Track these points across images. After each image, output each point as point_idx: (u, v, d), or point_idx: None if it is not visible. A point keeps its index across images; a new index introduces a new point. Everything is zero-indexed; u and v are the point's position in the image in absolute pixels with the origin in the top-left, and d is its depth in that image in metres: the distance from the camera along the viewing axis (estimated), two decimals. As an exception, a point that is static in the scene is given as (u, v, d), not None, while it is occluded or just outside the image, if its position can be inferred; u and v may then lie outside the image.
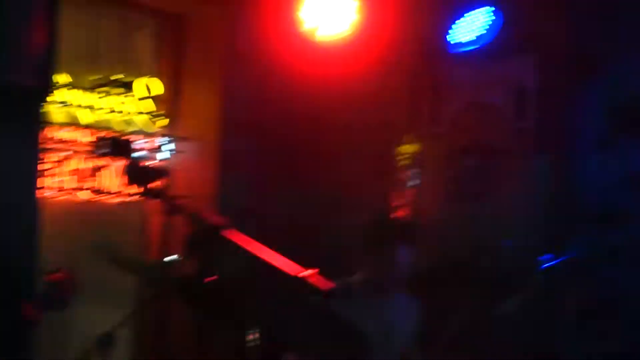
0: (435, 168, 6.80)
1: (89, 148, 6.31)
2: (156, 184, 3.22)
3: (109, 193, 6.46)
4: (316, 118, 7.02)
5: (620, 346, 5.80)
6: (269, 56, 6.68)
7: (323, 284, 2.71)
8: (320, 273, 4.25)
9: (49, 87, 5.22)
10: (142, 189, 3.25)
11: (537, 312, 5.56)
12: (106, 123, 6.50)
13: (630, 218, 6.04)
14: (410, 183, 6.88)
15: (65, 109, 6.34)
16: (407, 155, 6.89)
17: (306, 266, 3.24)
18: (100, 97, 6.47)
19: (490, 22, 6.34)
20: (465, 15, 6.36)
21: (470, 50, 6.35)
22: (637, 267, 5.96)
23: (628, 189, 6.06)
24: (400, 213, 6.81)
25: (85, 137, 6.38)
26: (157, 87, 6.71)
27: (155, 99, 6.71)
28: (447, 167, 6.74)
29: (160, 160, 6.69)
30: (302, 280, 2.70)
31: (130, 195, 6.46)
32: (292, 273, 2.72)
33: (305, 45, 6.57)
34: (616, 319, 6.00)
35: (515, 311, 5.08)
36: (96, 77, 6.53)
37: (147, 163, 6.27)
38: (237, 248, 2.87)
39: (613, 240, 5.83)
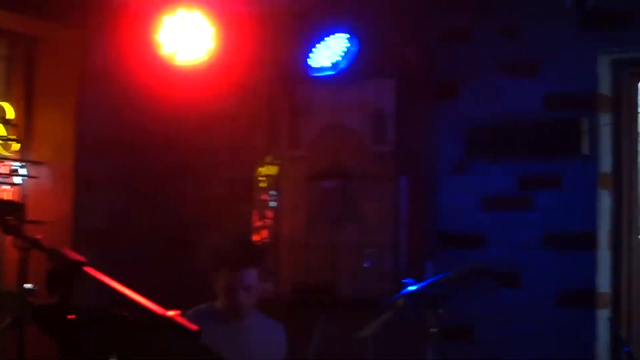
0: (295, 191, 6.80)
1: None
2: (10, 218, 3.10)
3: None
4: (176, 139, 6.96)
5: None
6: (127, 78, 6.58)
7: (189, 324, 2.65)
8: (183, 296, 4.21)
9: None
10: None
11: (399, 334, 5.61)
12: (-42, 148, 6.29)
13: (486, 241, 6.17)
14: (270, 205, 6.87)
15: None
16: (267, 178, 6.88)
17: (169, 296, 3.19)
18: (-49, 121, 6.26)
19: (346, 49, 6.37)
20: (325, 39, 6.38)
21: (330, 75, 6.37)
22: (493, 289, 6.09)
23: (484, 211, 6.19)
24: (259, 235, 6.80)
25: (-64, 162, 6.16)
26: (10, 110, 6.52)
27: (8, 122, 6.52)
28: (308, 190, 6.75)
29: (13, 186, 6.50)
30: (170, 320, 2.64)
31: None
32: (158, 312, 2.65)
33: (164, 69, 6.49)
34: (473, 341, 6.11)
35: (376, 334, 5.11)
36: (-53, 100, 6.32)
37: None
38: (98, 285, 2.78)
39: (471, 262, 5.94)
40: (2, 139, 6.44)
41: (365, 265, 6.42)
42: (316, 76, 6.45)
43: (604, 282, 6.00)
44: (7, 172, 6.49)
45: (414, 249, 6.28)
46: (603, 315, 5.91)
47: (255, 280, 4.71)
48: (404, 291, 4.97)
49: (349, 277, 6.48)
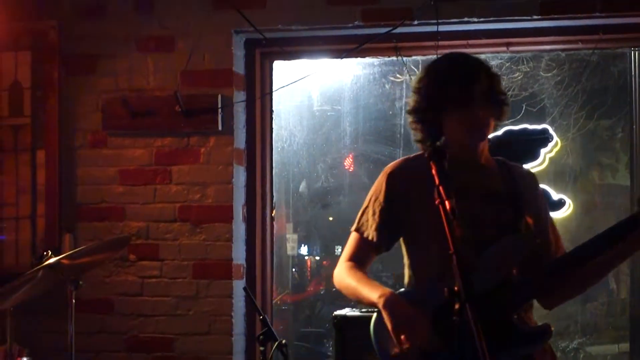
0: None
1: None
2: None
3: None
4: None
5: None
6: None
7: None
8: None
9: None
10: None
11: (41, 307, 5.51)
12: None
13: (125, 213, 6.18)
14: None
15: None
16: None
17: None
18: None
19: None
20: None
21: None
22: (133, 262, 6.12)
23: (122, 184, 6.21)
24: None
25: None
26: None
27: None
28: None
29: None
30: None
31: None
32: None
33: None
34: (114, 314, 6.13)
35: (16, 307, 5.02)
36: None
37: None
38: None
39: (111, 235, 5.91)
40: None
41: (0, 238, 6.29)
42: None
43: (239, 254, 6.21)
44: None
45: (53, 221, 6.20)
46: (239, 285, 6.11)
47: None
48: (43, 264, 4.91)
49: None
